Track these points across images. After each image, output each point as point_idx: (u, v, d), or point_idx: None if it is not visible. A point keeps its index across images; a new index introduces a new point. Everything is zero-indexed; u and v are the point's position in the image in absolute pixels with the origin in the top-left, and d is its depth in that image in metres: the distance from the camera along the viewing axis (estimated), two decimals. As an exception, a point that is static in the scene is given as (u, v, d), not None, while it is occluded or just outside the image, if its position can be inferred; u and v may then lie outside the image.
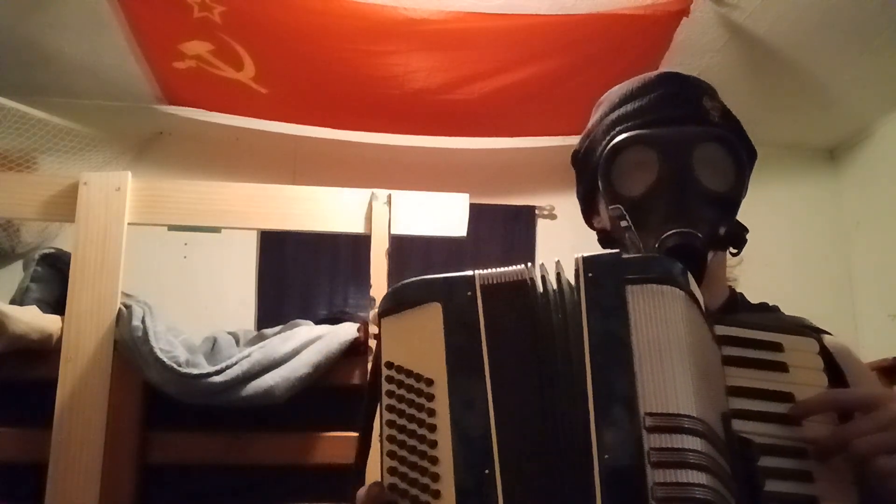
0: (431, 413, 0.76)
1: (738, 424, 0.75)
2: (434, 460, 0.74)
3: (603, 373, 0.71)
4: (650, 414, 0.68)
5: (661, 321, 0.72)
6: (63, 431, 1.42)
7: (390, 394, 0.79)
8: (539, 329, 0.77)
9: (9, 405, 1.50)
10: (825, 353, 0.81)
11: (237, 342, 1.62)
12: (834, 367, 0.83)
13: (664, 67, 2.82)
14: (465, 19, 2.61)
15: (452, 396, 0.76)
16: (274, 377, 1.46)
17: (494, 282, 0.80)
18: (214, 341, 1.58)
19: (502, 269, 0.81)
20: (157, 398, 1.48)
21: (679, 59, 2.86)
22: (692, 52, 2.85)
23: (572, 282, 0.77)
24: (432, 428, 0.76)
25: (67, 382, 1.44)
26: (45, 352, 1.47)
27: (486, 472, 0.72)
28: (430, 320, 0.80)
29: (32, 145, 2.85)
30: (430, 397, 0.77)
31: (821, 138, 3.66)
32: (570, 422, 0.72)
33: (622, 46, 2.69)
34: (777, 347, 0.80)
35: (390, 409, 0.78)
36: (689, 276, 0.76)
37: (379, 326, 0.84)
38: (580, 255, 0.76)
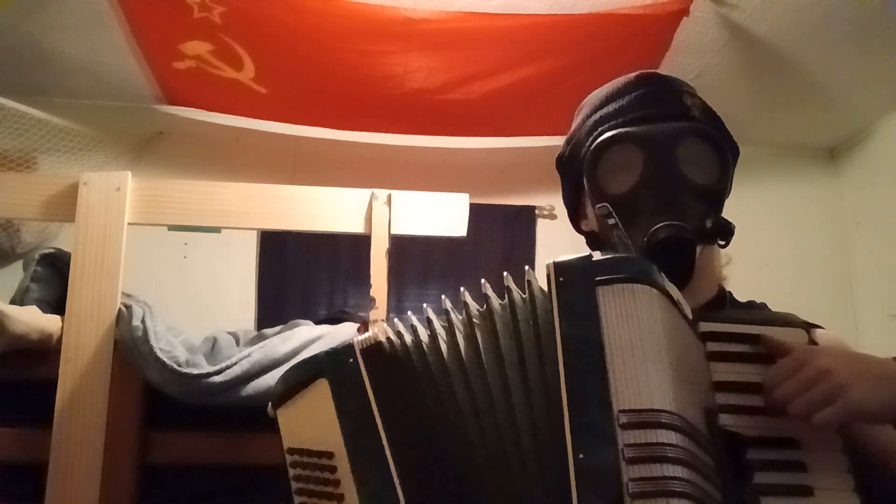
0: (336, 484, 0.78)
1: (727, 419, 0.75)
2: None
3: (576, 375, 0.71)
4: (624, 411, 0.68)
5: (633, 319, 0.72)
6: (63, 431, 1.42)
7: (297, 478, 0.81)
8: (432, 373, 0.78)
9: (9, 405, 1.50)
10: (813, 344, 0.81)
11: (237, 342, 1.62)
12: None
13: (664, 67, 2.82)
14: (465, 19, 2.61)
15: (353, 461, 0.78)
16: (274, 377, 1.45)
17: (374, 342, 0.83)
18: (214, 341, 1.58)
19: (377, 331, 0.83)
20: (157, 398, 1.47)
21: (679, 59, 2.86)
22: (692, 52, 2.85)
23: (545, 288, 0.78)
24: (340, 498, 0.78)
25: (67, 382, 1.44)
26: (45, 352, 1.47)
27: None
28: (320, 397, 0.82)
29: (32, 145, 2.85)
30: (333, 469, 0.79)
31: (821, 138, 3.65)
32: (536, 432, 0.72)
33: (622, 46, 2.69)
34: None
35: (300, 492, 0.81)
36: (663, 274, 0.77)
37: (276, 419, 0.86)
38: (551, 260, 0.77)
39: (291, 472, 0.82)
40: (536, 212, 3.54)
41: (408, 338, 0.82)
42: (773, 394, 0.74)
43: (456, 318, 0.82)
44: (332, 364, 0.83)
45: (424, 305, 0.85)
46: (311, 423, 0.82)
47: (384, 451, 0.77)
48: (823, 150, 3.77)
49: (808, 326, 0.85)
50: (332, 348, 0.86)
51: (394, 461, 0.76)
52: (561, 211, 3.59)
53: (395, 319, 0.84)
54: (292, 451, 0.83)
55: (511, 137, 3.34)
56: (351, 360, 0.82)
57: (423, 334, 0.82)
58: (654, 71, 1.04)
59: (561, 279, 0.75)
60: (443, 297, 0.84)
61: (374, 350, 0.82)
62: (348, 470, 0.78)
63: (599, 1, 2.57)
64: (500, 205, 3.49)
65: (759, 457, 0.73)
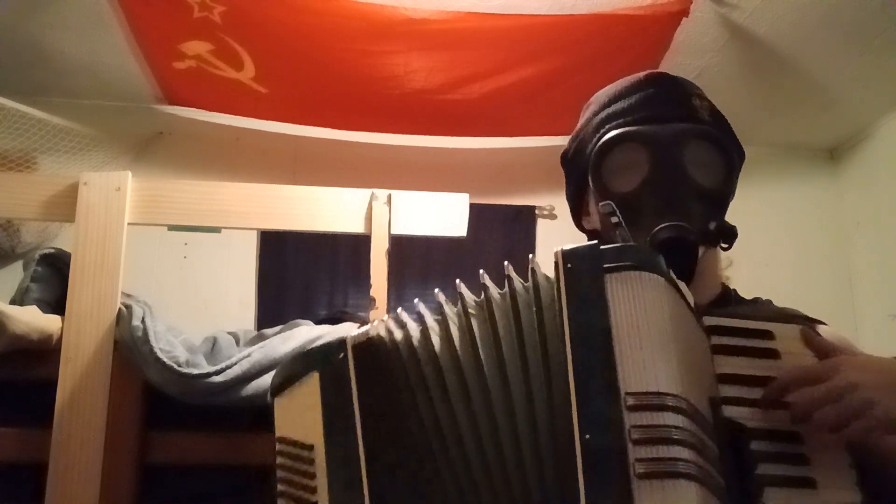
0: (312, 476, 0.80)
1: (731, 411, 0.75)
2: None
3: (583, 360, 0.71)
4: (631, 394, 0.68)
5: (640, 306, 0.72)
6: (63, 431, 1.42)
7: (281, 466, 0.83)
8: (423, 371, 0.79)
9: (9, 405, 1.50)
10: (819, 340, 0.82)
11: (237, 342, 1.62)
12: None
13: (664, 67, 2.82)
14: (465, 19, 2.61)
15: (328, 457, 0.79)
16: (274, 377, 1.46)
17: (366, 338, 0.83)
18: (214, 341, 1.58)
19: (374, 325, 0.83)
20: (157, 398, 1.47)
21: (679, 59, 2.86)
22: (692, 52, 2.85)
23: (550, 276, 0.78)
24: (313, 490, 0.79)
25: (67, 382, 1.44)
26: (45, 352, 1.47)
27: None
28: (310, 390, 0.83)
29: (32, 145, 2.85)
30: (311, 461, 0.80)
31: (821, 138, 3.65)
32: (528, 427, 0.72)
33: (622, 46, 2.69)
34: (767, 335, 0.80)
35: (281, 480, 0.83)
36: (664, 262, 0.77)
37: (273, 407, 0.88)
38: (559, 248, 0.77)
39: (278, 459, 0.84)
40: (536, 212, 3.54)
41: (402, 334, 0.82)
42: (798, 398, 0.74)
43: (450, 310, 0.82)
44: (324, 358, 0.84)
45: (416, 300, 0.85)
46: (301, 414, 0.83)
47: (358, 451, 0.78)
48: (823, 150, 3.77)
49: (812, 322, 0.86)
50: (327, 342, 0.87)
51: (365, 461, 0.77)
52: (561, 211, 3.61)
53: (387, 315, 0.84)
54: (281, 440, 0.85)
55: (511, 137, 3.34)
56: (341, 355, 0.82)
57: (416, 329, 0.82)
58: (662, 71, 1.04)
59: (569, 266, 0.75)
60: (436, 290, 0.84)
61: (365, 346, 0.82)
62: (324, 464, 0.79)
63: (599, 1, 2.57)
64: (500, 205, 3.50)
65: (762, 448, 0.74)
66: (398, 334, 0.82)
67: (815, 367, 0.77)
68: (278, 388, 0.87)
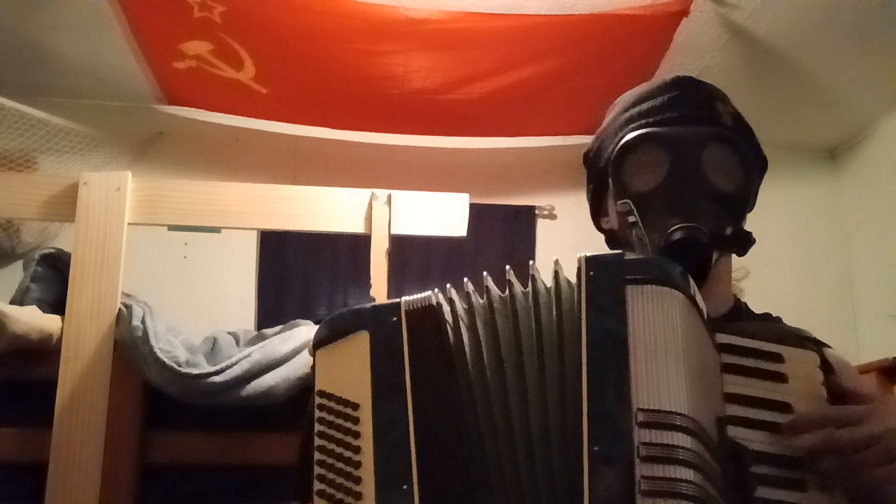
0: (357, 435, 0.79)
1: (734, 431, 0.76)
2: (358, 480, 0.77)
3: (598, 368, 0.72)
4: (642, 410, 0.69)
5: (658, 321, 0.73)
6: (63, 431, 1.42)
7: (321, 420, 0.82)
8: (465, 352, 0.79)
9: (9, 405, 1.50)
10: (826, 366, 0.82)
11: (237, 342, 1.62)
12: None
13: (664, 67, 2.82)
14: (465, 19, 2.61)
15: (376, 418, 0.79)
16: (274, 377, 1.46)
17: (422, 305, 0.83)
18: (214, 341, 1.58)
19: (427, 293, 0.83)
20: (157, 398, 1.48)
21: (679, 59, 2.85)
22: (692, 52, 2.85)
23: (571, 280, 0.78)
24: (357, 450, 0.78)
25: (67, 382, 1.45)
26: (45, 352, 1.47)
27: (405, 487, 0.74)
28: (358, 348, 0.83)
29: (32, 145, 2.85)
30: (356, 421, 0.80)
31: (821, 138, 3.66)
32: (542, 419, 0.73)
33: (622, 46, 2.69)
34: (777, 358, 0.80)
35: (321, 434, 0.81)
36: (691, 279, 0.77)
37: (314, 358, 0.87)
38: (583, 254, 0.77)
39: (317, 413, 0.83)
40: (536, 212, 3.54)
41: (457, 308, 0.82)
42: (837, 434, 0.75)
43: (477, 301, 0.82)
44: (376, 318, 0.84)
45: (448, 286, 0.84)
46: (346, 370, 0.83)
47: (407, 419, 0.78)
48: (823, 150, 3.77)
49: (819, 345, 0.86)
50: (380, 303, 0.87)
51: (414, 426, 0.77)
52: (561, 211, 3.61)
53: (430, 291, 0.84)
54: (322, 393, 0.83)
55: (511, 137, 3.34)
56: (395, 318, 0.82)
57: (448, 314, 0.82)
58: (690, 75, 1.04)
59: (591, 273, 0.76)
60: (465, 279, 0.84)
61: (419, 314, 0.82)
62: (370, 426, 0.79)
63: (599, 1, 2.57)
64: (500, 205, 3.49)
65: (762, 472, 0.74)
66: (456, 307, 0.82)
67: (852, 411, 0.77)
68: (323, 340, 0.86)
